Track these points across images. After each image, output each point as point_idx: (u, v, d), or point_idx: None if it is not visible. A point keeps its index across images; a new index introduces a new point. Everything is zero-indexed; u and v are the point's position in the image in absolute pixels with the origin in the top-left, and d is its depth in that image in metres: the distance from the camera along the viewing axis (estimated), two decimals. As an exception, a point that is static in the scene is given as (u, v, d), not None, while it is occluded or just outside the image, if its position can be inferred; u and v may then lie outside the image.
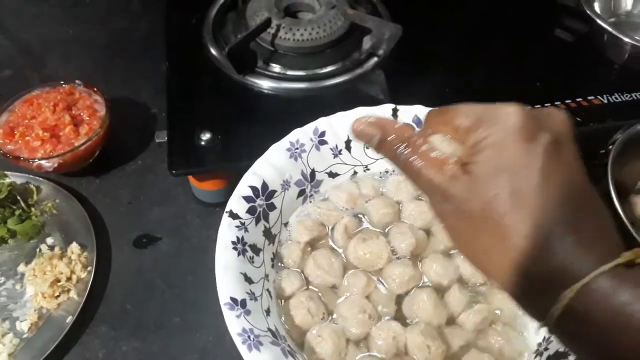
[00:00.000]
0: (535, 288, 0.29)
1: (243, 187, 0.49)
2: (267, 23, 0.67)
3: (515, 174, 0.30)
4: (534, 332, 0.46)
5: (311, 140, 0.54)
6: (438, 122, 0.34)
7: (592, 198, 0.31)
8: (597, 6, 0.73)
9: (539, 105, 0.64)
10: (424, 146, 0.33)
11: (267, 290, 0.47)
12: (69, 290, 0.58)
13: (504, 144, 0.31)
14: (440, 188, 0.32)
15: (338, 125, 0.55)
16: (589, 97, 0.66)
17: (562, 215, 0.29)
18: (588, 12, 0.70)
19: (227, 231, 0.46)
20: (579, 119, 0.64)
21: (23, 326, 0.56)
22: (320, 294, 0.49)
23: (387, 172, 0.57)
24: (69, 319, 0.56)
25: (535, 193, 0.29)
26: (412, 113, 0.55)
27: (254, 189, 0.50)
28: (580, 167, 0.32)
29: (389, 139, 0.35)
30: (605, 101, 0.66)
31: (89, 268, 0.60)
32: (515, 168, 0.30)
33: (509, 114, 0.31)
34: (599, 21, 0.68)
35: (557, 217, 0.29)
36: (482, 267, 0.32)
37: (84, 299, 0.57)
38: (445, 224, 0.33)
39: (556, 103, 0.65)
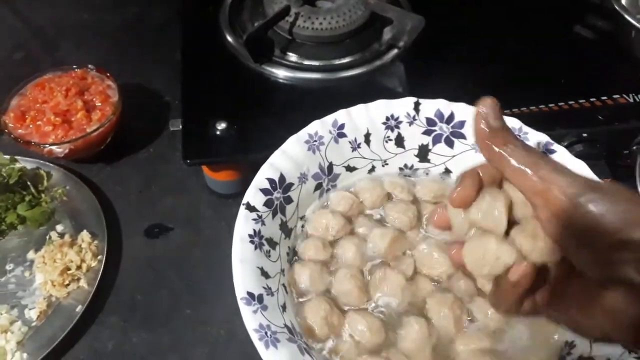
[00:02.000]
0: None
1: (260, 179, 0.48)
2: (285, 11, 0.65)
3: None
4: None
5: (330, 132, 0.52)
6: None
7: None
8: (624, 1, 0.71)
9: (562, 103, 0.63)
10: None
11: (283, 285, 0.46)
12: (78, 279, 0.57)
13: None
14: (566, 195, 0.30)
15: (358, 117, 0.53)
16: (614, 96, 0.64)
17: None
18: (616, 7, 0.67)
19: (244, 224, 0.45)
20: (602, 117, 0.62)
21: (32, 314, 0.56)
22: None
23: (406, 166, 0.56)
24: (79, 308, 0.55)
25: None
26: (434, 107, 0.53)
27: (271, 181, 0.48)
28: None
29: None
30: (631, 100, 0.64)
31: (99, 257, 0.59)
32: None
33: None
34: (627, 17, 0.66)
35: None
36: None
37: (94, 288, 0.56)
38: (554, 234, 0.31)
39: (580, 101, 0.63)
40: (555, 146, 0.51)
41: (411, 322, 0.45)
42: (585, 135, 0.61)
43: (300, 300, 0.47)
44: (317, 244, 0.50)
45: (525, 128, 0.52)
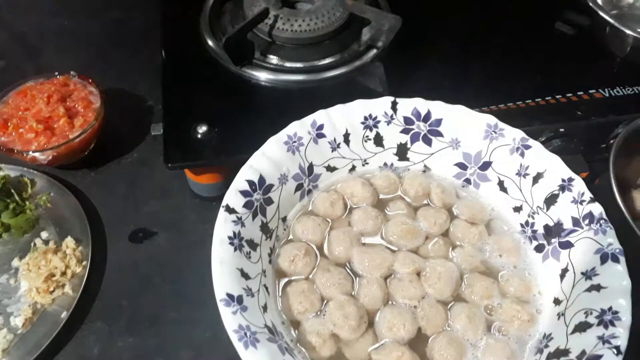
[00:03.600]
0: None
1: (240, 181, 0.48)
2: (264, 13, 0.65)
3: None
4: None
5: (309, 133, 0.53)
6: None
7: None
8: (599, -1, 0.73)
9: (539, 99, 0.64)
10: None
11: (264, 285, 0.46)
12: (63, 285, 0.57)
13: None
14: None
15: (337, 118, 0.54)
16: (591, 91, 0.65)
17: None
18: (590, 4, 0.69)
19: (223, 226, 0.45)
20: (579, 112, 0.63)
21: (17, 322, 0.56)
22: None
23: (386, 165, 0.57)
24: (64, 315, 0.55)
25: None
26: (411, 106, 0.54)
27: (250, 182, 0.49)
28: None
29: None
30: (607, 95, 0.65)
31: (84, 262, 0.59)
32: None
33: None
34: (601, 13, 0.67)
35: None
36: None
37: (79, 294, 0.57)
38: None
39: (557, 96, 0.64)
40: (531, 141, 0.51)
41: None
42: (562, 130, 0.62)
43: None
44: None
45: (501, 124, 0.53)
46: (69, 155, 0.65)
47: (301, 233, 0.51)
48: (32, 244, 0.61)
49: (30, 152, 0.62)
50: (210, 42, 0.69)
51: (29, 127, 0.64)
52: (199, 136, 0.59)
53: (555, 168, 0.50)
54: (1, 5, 0.91)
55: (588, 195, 0.47)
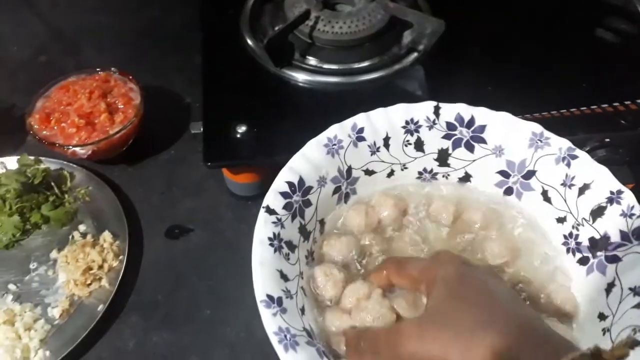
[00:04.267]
0: None
1: (280, 183, 0.48)
2: (305, 15, 0.65)
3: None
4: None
5: (349, 136, 0.52)
6: (394, 274, 0.45)
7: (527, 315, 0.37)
8: (648, 5, 0.71)
9: (584, 108, 0.62)
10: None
11: (302, 288, 0.46)
12: (100, 279, 0.58)
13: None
14: None
15: (377, 121, 0.53)
16: (638, 100, 0.63)
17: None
18: None
19: (263, 227, 0.45)
20: (625, 122, 0.61)
21: (55, 312, 0.57)
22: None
23: (425, 170, 0.56)
24: (100, 307, 0.56)
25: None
26: (454, 111, 0.53)
27: (290, 184, 0.49)
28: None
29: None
30: (655, 105, 0.63)
31: (120, 257, 0.60)
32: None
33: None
34: (651, 21, 0.66)
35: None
36: None
37: (116, 287, 0.57)
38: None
39: (603, 105, 0.62)
40: (578, 152, 0.50)
41: None
42: (607, 140, 0.60)
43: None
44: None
45: (547, 133, 0.51)
46: (108, 151, 0.66)
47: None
48: (70, 237, 0.63)
49: (71, 147, 0.63)
50: (250, 42, 0.69)
51: (70, 121, 0.65)
52: (239, 136, 0.59)
53: (603, 179, 0.48)
54: (43, 2, 0.93)
55: (638, 208, 0.46)
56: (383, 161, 0.55)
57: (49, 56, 0.84)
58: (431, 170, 0.56)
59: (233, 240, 0.62)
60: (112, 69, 0.71)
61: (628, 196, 0.47)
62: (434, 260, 0.43)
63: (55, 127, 0.65)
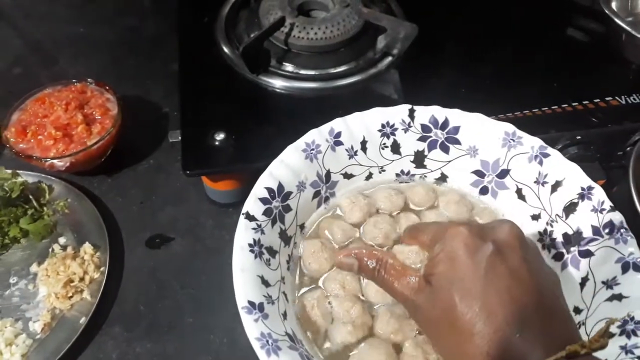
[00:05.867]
0: None
1: (259, 189, 0.49)
2: (280, 22, 0.66)
3: (463, 284, 0.36)
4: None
5: (327, 141, 0.53)
6: (409, 237, 0.46)
7: (538, 295, 0.36)
8: (614, 5, 0.72)
9: (555, 106, 0.64)
10: (390, 261, 0.42)
11: (283, 293, 0.47)
12: (82, 291, 0.58)
13: (453, 259, 0.37)
14: (409, 300, 0.40)
15: (354, 125, 0.54)
16: (607, 98, 0.65)
17: (507, 316, 0.34)
18: (606, 11, 0.68)
19: (243, 233, 0.45)
20: (596, 120, 0.63)
21: (36, 327, 0.56)
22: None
23: (403, 172, 0.57)
24: (82, 320, 0.56)
25: (480, 298, 0.35)
26: (429, 114, 0.54)
27: (270, 190, 0.49)
28: (528, 269, 0.37)
29: (366, 262, 0.43)
30: (623, 102, 0.65)
31: (102, 268, 0.59)
32: (464, 278, 0.36)
33: (457, 233, 0.38)
34: (616, 20, 0.67)
35: (502, 318, 0.34)
36: None
37: (97, 299, 0.57)
38: (422, 329, 0.41)
39: (573, 104, 0.64)
40: (549, 150, 0.51)
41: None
42: (579, 137, 0.62)
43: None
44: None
45: (519, 132, 0.53)
46: (86, 162, 0.66)
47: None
48: (50, 250, 0.62)
49: (49, 159, 0.63)
50: (226, 50, 0.70)
51: (47, 134, 0.64)
52: (217, 143, 0.59)
53: (574, 176, 0.49)
54: (17, 13, 0.92)
55: (608, 203, 0.47)
56: (361, 164, 0.56)
57: (25, 68, 0.83)
58: (408, 172, 0.57)
59: (214, 248, 0.62)
60: (89, 79, 0.71)
61: (598, 192, 0.48)
62: (443, 230, 0.40)
63: (32, 140, 0.65)
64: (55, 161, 0.63)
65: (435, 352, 0.42)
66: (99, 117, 0.67)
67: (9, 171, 0.64)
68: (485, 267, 0.36)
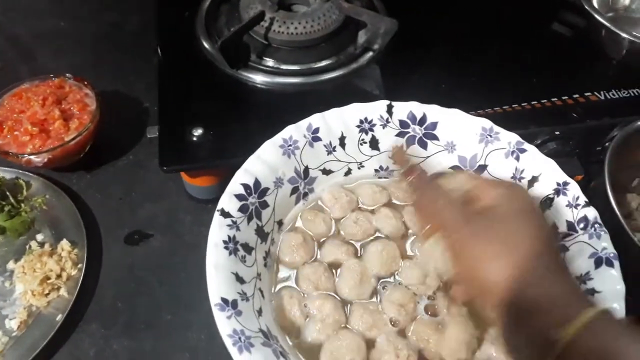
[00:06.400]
0: (529, 312, 0.35)
1: (235, 185, 0.48)
2: (260, 16, 0.65)
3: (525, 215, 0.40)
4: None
5: (305, 136, 0.53)
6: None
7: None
8: (595, 1, 0.73)
9: (535, 102, 0.64)
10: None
11: (259, 289, 0.47)
12: (59, 288, 0.57)
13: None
14: (465, 212, 0.41)
15: (332, 121, 0.54)
16: (586, 94, 0.65)
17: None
18: (586, 7, 0.69)
19: (217, 230, 0.45)
20: (575, 115, 0.63)
21: (12, 324, 0.55)
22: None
23: (382, 168, 0.57)
24: (59, 317, 0.55)
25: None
26: (407, 109, 0.54)
27: (246, 186, 0.49)
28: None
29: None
30: (603, 97, 0.65)
31: (79, 265, 0.59)
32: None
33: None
34: (596, 16, 0.67)
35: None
36: (486, 276, 0.38)
37: (75, 296, 0.56)
38: (461, 241, 0.40)
39: (553, 99, 0.64)
40: (526, 145, 0.52)
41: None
42: (558, 133, 0.62)
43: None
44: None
45: (496, 128, 0.53)
46: (64, 158, 0.65)
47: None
48: (27, 247, 0.61)
49: (26, 155, 0.62)
50: (206, 44, 0.69)
51: (24, 129, 0.63)
52: (195, 139, 0.59)
53: (550, 172, 0.50)
54: (-4, 7, 0.91)
55: (583, 199, 0.47)
56: (340, 160, 0.56)
57: (3, 63, 0.82)
58: (387, 168, 0.57)
59: (193, 244, 0.62)
60: (67, 74, 0.70)
61: (573, 187, 0.48)
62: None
63: (9, 136, 0.64)
64: (32, 157, 0.62)
65: (465, 267, 0.41)
66: (77, 112, 0.67)
67: (-14, 167, 0.64)
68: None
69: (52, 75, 0.69)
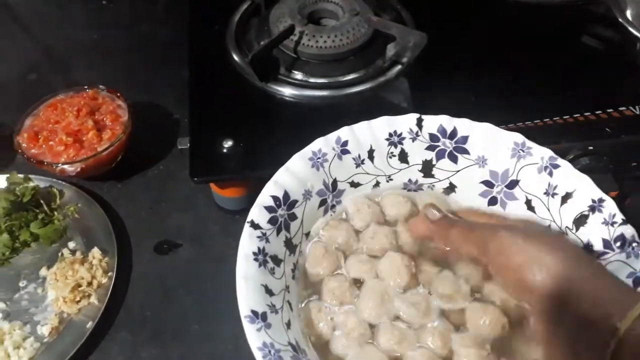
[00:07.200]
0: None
1: (264, 197, 0.48)
2: (290, 30, 0.66)
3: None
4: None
5: (333, 149, 0.53)
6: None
7: None
8: (629, 13, 0.71)
9: (567, 116, 0.63)
10: None
11: (288, 302, 0.46)
12: (89, 296, 0.58)
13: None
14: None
15: (361, 134, 0.54)
16: (620, 108, 0.64)
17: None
18: (620, 20, 0.67)
19: (248, 242, 0.45)
20: (609, 130, 0.62)
21: (44, 330, 0.57)
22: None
23: (410, 181, 0.56)
24: (89, 324, 0.56)
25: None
26: (437, 123, 0.54)
27: (275, 198, 0.49)
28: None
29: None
30: (638, 112, 0.63)
31: (109, 273, 0.60)
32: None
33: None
34: (630, 29, 0.66)
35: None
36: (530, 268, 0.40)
37: (105, 304, 0.57)
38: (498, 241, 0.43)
39: (586, 114, 0.63)
40: (560, 161, 0.51)
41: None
42: (591, 148, 0.61)
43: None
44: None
45: (529, 143, 0.52)
46: (96, 168, 0.66)
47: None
48: (59, 254, 0.63)
49: (60, 164, 0.64)
50: (236, 57, 0.70)
51: (58, 139, 0.65)
52: (225, 151, 0.59)
53: (585, 188, 0.49)
54: (32, 20, 0.94)
55: (620, 216, 0.46)
56: (368, 173, 0.55)
57: (39, 74, 0.85)
58: (416, 182, 0.56)
59: (221, 255, 0.62)
60: (100, 86, 0.72)
61: (609, 204, 0.47)
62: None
63: (44, 146, 0.66)
64: (65, 166, 0.64)
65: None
66: (110, 123, 0.68)
67: (21, 176, 0.65)
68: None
69: (86, 87, 0.71)
